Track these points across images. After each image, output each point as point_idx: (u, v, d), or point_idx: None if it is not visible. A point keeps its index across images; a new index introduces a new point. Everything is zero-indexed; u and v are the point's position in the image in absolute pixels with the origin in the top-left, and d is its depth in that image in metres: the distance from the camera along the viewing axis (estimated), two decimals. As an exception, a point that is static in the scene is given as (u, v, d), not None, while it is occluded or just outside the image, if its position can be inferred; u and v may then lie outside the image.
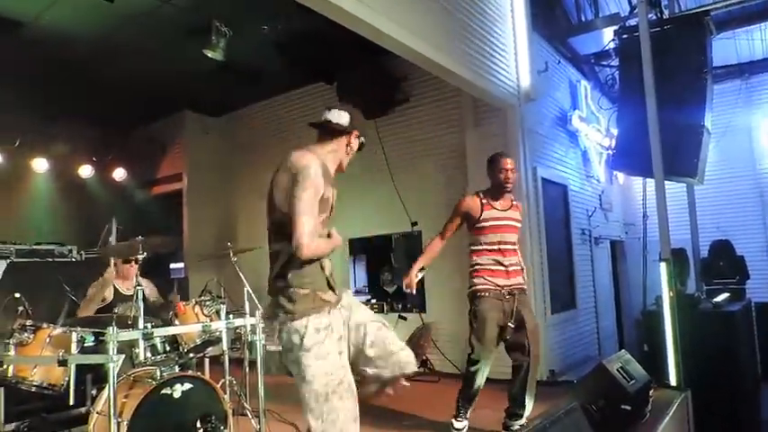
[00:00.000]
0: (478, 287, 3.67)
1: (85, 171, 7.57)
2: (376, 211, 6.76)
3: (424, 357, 5.78)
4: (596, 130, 7.60)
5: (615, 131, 7.09)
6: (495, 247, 3.71)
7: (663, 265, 4.41)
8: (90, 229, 6.73)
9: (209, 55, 5.49)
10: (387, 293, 7.24)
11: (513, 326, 3.60)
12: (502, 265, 3.67)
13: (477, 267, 3.74)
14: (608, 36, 7.18)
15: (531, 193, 5.78)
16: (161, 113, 8.05)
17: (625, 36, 5.86)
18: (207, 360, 4.66)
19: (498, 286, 3.62)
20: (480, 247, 3.76)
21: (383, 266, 8.10)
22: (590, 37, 7.52)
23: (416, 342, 5.81)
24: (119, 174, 7.85)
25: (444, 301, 6.11)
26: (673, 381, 4.26)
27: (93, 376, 3.96)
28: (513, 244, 3.78)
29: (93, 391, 4.02)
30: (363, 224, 6.91)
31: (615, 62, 7.19)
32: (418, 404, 4.69)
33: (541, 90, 6.21)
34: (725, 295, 5.87)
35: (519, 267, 3.77)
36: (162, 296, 4.53)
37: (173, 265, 8.35)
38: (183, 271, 7.98)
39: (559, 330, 5.98)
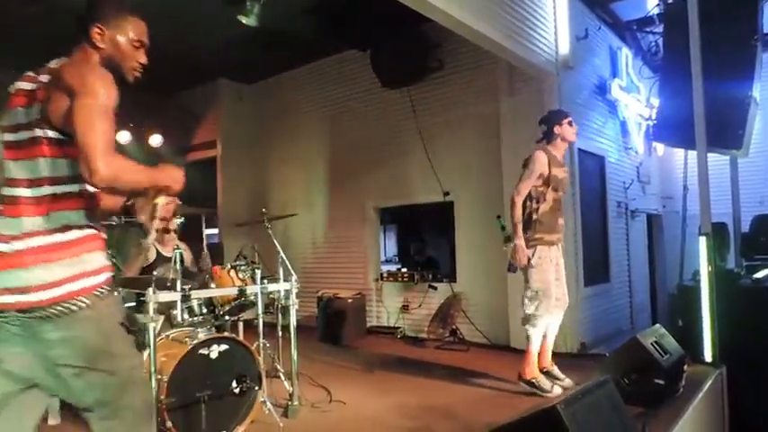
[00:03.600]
0: None
1: (124, 137, 7.71)
2: (407, 181, 6.74)
3: (454, 327, 5.82)
4: (636, 99, 7.35)
5: (656, 101, 6.85)
6: None
7: (702, 240, 4.29)
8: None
9: (244, 21, 5.48)
10: (417, 263, 7.26)
11: None
12: None
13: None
14: (652, 1, 6.87)
15: (566, 164, 5.66)
16: (197, 81, 8.11)
17: (671, 0, 5.60)
18: (241, 324, 4.79)
19: None
20: None
21: (413, 236, 8.12)
22: (633, 2, 7.21)
23: (446, 311, 5.86)
24: (155, 140, 7.98)
25: (474, 270, 6.10)
26: (708, 357, 4.19)
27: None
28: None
29: (134, 350, 4.20)
30: (394, 193, 6.91)
31: (659, 28, 6.90)
32: (447, 372, 4.75)
33: (580, 57, 6.02)
34: (766, 271, 5.70)
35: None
36: (195, 261, 4.63)
37: (207, 231, 8.52)
38: (218, 237, 8.14)
39: (592, 303, 5.92)
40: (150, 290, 2.91)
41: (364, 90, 7.12)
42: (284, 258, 3.84)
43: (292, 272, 3.77)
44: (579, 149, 5.82)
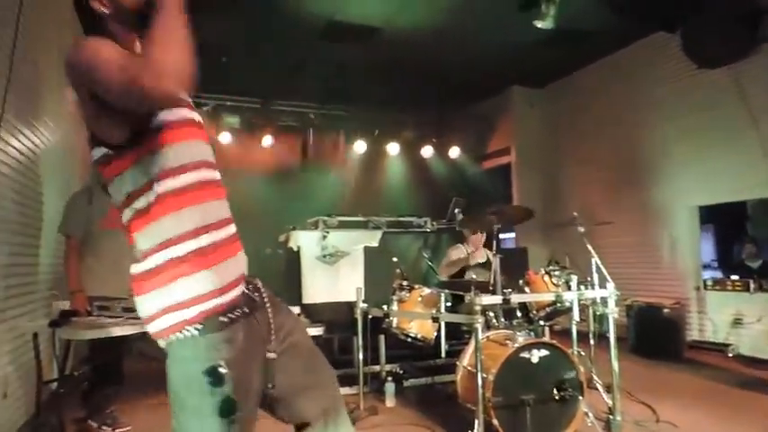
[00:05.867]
0: None
1: (427, 151, 8.52)
2: (731, 174, 5.79)
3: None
4: None
5: None
6: None
7: None
8: (435, 202, 7.58)
9: (540, 26, 5.43)
10: (749, 269, 6.16)
11: None
12: None
13: None
14: None
15: None
16: (490, 91, 8.43)
17: None
18: (547, 329, 4.74)
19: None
20: None
21: (739, 237, 6.96)
22: None
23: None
24: (454, 152, 8.58)
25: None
26: None
27: (446, 333, 4.45)
28: None
29: (446, 346, 4.52)
30: (713, 189, 6.03)
31: None
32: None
33: None
34: None
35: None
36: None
37: (502, 236, 8.73)
38: (514, 241, 8.27)
39: None
40: (473, 292, 3.09)
41: (672, 75, 6.39)
42: (599, 263, 3.67)
43: (609, 278, 3.58)
44: None
